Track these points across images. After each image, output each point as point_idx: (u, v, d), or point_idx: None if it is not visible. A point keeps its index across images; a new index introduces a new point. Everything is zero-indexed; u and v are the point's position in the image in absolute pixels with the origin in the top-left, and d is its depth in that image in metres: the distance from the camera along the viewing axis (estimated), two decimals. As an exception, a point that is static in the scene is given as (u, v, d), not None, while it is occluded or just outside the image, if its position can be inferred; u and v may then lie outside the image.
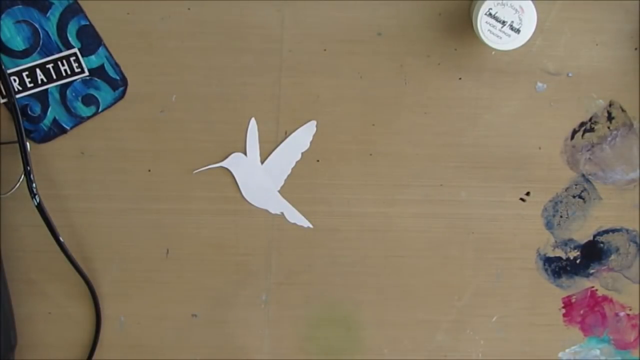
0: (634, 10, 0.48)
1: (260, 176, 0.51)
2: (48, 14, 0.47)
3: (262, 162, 0.51)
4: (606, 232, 0.53)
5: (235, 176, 0.51)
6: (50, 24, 0.47)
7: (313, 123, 0.50)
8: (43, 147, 0.49)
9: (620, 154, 0.51)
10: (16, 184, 0.49)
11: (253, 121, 0.50)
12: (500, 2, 0.44)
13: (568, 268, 0.53)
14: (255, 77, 0.49)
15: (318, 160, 0.51)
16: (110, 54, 0.48)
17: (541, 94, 0.50)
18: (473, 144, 0.51)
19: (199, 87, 0.49)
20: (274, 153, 0.51)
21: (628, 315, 0.55)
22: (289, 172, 0.51)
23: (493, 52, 0.48)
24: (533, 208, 0.52)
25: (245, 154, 0.51)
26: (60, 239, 0.49)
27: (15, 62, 0.47)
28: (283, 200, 0.52)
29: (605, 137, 0.51)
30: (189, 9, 0.47)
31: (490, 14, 0.44)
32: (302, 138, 0.50)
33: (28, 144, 0.48)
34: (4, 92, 0.48)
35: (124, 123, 0.50)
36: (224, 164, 0.50)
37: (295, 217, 0.52)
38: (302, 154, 0.51)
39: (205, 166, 0.51)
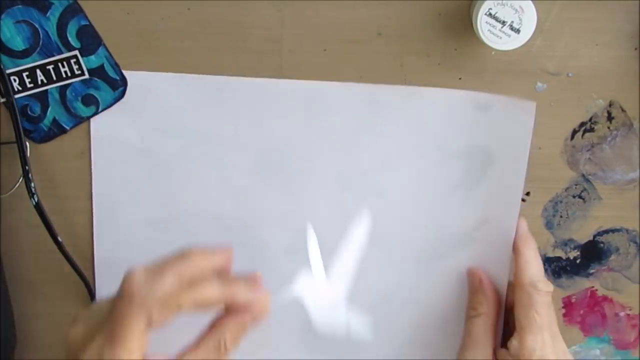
0: (634, 10, 0.48)
1: (329, 295, 0.49)
2: (48, 14, 0.47)
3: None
4: (606, 232, 0.53)
5: (307, 305, 0.49)
6: (50, 24, 0.47)
7: (365, 215, 0.49)
8: (43, 147, 0.49)
9: (620, 154, 0.51)
10: (16, 184, 0.49)
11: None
12: (500, 2, 0.44)
13: (568, 268, 0.53)
14: (255, 77, 0.49)
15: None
16: (110, 54, 0.48)
17: (541, 94, 0.50)
18: (473, 144, 0.51)
19: (198, 87, 0.49)
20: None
21: (628, 315, 0.55)
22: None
23: (493, 52, 0.48)
24: (533, 208, 0.52)
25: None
26: (59, 238, 0.49)
27: (15, 62, 0.47)
28: (350, 314, 0.50)
29: (605, 137, 0.51)
30: (189, 9, 0.47)
31: (490, 14, 0.44)
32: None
33: (28, 144, 0.48)
34: (3, 92, 0.47)
35: (123, 123, 0.50)
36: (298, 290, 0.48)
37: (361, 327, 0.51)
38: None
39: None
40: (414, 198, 0.50)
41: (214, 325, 0.41)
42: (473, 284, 0.50)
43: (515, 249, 0.49)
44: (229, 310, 0.41)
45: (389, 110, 0.49)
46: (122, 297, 0.38)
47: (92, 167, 0.49)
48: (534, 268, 0.47)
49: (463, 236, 0.51)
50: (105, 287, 0.52)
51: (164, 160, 0.49)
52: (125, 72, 0.48)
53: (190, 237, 0.50)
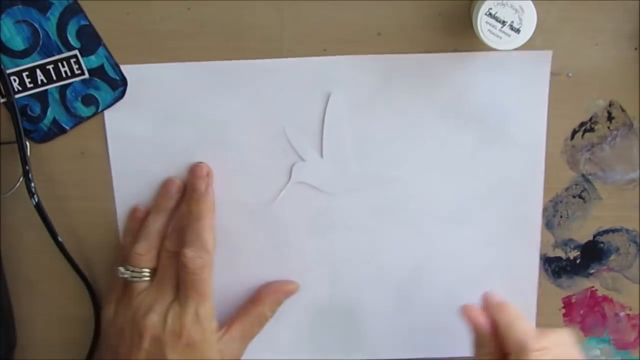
0: (634, 10, 0.48)
1: (331, 168, 0.50)
2: (48, 14, 0.47)
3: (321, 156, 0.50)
4: (606, 232, 0.53)
5: (313, 184, 0.50)
6: (50, 24, 0.47)
7: (333, 95, 0.49)
8: (43, 147, 0.49)
9: (620, 154, 0.51)
10: (16, 184, 0.49)
11: (289, 129, 0.49)
12: (500, 2, 0.44)
13: (568, 268, 0.53)
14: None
15: (318, 160, 0.51)
16: (110, 54, 0.48)
17: (541, 94, 0.50)
18: (473, 144, 0.51)
19: (198, 87, 0.49)
20: (324, 142, 0.50)
21: (628, 315, 0.55)
22: (349, 146, 0.50)
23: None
24: (533, 208, 0.52)
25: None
26: (59, 238, 0.49)
27: (15, 62, 0.47)
28: (363, 174, 0.50)
29: (605, 137, 0.51)
30: (189, 9, 0.47)
31: (490, 14, 0.44)
32: (336, 113, 0.49)
33: (28, 144, 0.48)
34: (3, 92, 0.48)
35: (123, 123, 0.50)
36: (295, 180, 0.50)
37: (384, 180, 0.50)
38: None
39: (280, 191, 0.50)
40: (434, 165, 0.50)
41: (255, 300, 0.51)
42: (474, 332, 0.49)
43: (493, 320, 0.47)
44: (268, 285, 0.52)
45: (402, 79, 0.49)
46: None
47: (111, 164, 0.50)
48: (517, 331, 0.46)
49: (488, 196, 0.51)
50: None
51: (180, 150, 0.50)
52: (133, 66, 0.48)
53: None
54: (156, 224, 0.49)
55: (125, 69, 0.48)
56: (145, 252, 0.49)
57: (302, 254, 0.52)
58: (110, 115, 0.49)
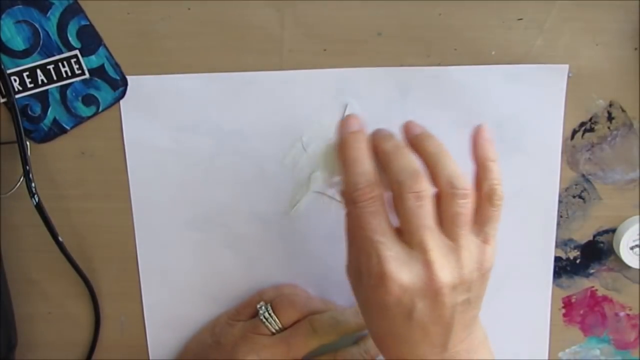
0: (634, 10, 0.48)
1: None
2: (48, 14, 0.47)
3: None
4: (606, 232, 0.53)
5: (330, 194, 0.50)
6: (51, 24, 0.47)
7: (350, 106, 0.49)
8: (43, 147, 0.49)
9: (620, 154, 0.51)
10: (16, 184, 0.49)
11: (306, 139, 0.49)
12: None
13: (568, 268, 0.54)
14: (256, 77, 0.49)
15: (318, 160, 0.51)
16: (111, 54, 0.48)
17: (541, 94, 0.50)
18: (473, 144, 0.51)
19: (199, 87, 0.49)
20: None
21: (628, 315, 0.55)
22: None
23: (493, 52, 0.48)
24: (533, 208, 0.52)
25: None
26: (60, 238, 0.49)
27: (15, 62, 0.47)
28: None
29: (605, 137, 0.51)
30: (189, 9, 0.47)
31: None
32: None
33: (28, 143, 0.48)
34: (3, 92, 0.48)
35: (124, 123, 0.50)
36: (312, 190, 0.50)
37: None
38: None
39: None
40: None
41: None
42: None
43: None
44: None
45: (418, 91, 0.49)
46: None
47: (129, 173, 0.50)
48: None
49: (504, 207, 0.50)
50: (152, 292, 0.52)
51: (198, 160, 0.50)
52: (152, 77, 0.48)
53: (230, 233, 0.51)
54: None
55: (144, 79, 0.48)
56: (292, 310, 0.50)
57: (320, 263, 0.52)
58: (128, 125, 0.49)
